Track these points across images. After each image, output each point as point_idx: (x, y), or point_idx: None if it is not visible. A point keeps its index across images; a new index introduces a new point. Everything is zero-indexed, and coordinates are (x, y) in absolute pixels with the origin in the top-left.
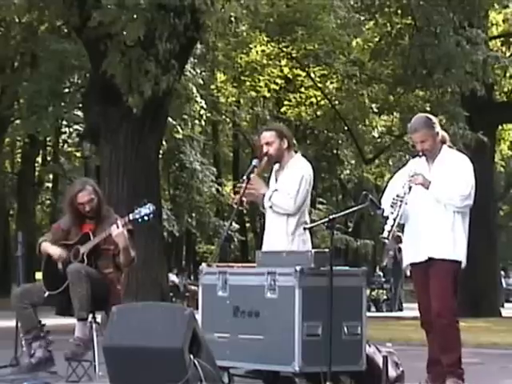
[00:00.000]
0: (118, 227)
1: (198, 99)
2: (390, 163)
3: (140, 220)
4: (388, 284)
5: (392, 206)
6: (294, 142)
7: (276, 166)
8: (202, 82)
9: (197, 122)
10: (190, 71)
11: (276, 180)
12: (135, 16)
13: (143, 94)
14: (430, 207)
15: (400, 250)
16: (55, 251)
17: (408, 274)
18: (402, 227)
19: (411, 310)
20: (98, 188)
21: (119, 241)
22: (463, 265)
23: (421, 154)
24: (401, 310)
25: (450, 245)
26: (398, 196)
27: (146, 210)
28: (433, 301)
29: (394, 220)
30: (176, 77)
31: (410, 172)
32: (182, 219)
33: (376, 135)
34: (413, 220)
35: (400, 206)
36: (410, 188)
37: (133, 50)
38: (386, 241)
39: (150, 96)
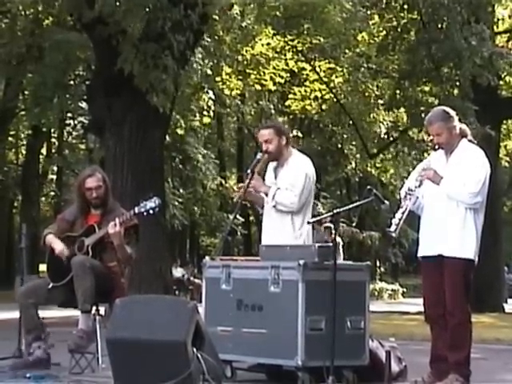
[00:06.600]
0: (115, 225)
1: (207, 90)
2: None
3: (145, 213)
4: None
5: (403, 199)
6: (293, 136)
7: (274, 164)
8: (209, 73)
9: (205, 113)
10: (198, 62)
11: (275, 177)
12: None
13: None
14: (443, 202)
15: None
16: (58, 246)
17: None
18: (418, 219)
19: (414, 305)
20: (106, 178)
21: (114, 239)
22: (475, 263)
23: (436, 147)
24: None
25: (460, 243)
26: (409, 189)
27: (152, 203)
28: (446, 299)
29: (403, 213)
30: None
31: (424, 165)
32: (186, 211)
33: (381, 130)
34: (427, 213)
35: (410, 199)
36: (420, 182)
37: (147, 44)
38: (393, 234)
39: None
